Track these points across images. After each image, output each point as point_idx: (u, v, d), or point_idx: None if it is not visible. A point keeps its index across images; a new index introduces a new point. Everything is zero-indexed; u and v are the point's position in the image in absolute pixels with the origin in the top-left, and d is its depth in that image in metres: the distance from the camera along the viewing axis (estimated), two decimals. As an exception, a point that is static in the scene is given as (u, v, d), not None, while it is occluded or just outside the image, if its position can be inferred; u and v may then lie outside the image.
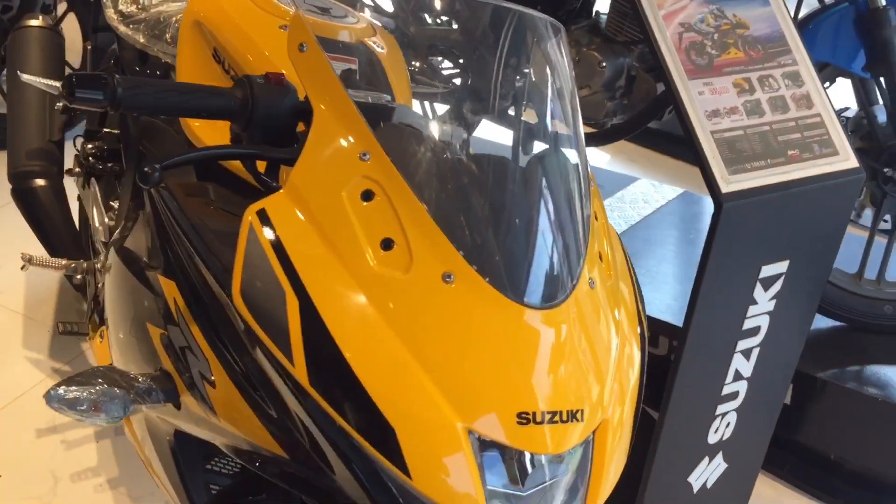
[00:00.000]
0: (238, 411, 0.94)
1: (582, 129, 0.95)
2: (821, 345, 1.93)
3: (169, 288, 1.04)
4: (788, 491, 2.07)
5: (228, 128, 1.21)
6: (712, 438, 1.72)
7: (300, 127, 0.93)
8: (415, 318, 0.81)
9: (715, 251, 1.42)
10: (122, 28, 1.67)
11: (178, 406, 1.07)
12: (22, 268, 1.79)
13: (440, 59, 1.00)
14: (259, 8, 1.24)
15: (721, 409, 1.68)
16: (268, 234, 0.84)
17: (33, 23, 2.06)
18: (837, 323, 2.08)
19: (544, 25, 0.98)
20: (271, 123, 0.92)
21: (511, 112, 0.94)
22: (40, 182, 1.95)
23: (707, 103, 1.43)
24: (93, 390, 1.02)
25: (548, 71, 0.95)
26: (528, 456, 0.83)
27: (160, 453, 1.26)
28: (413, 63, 1.06)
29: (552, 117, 0.93)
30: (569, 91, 0.95)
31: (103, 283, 1.73)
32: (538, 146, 0.91)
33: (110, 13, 1.70)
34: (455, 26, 1.04)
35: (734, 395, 1.70)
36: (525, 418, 0.80)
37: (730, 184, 1.39)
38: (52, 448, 1.92)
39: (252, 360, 0.88)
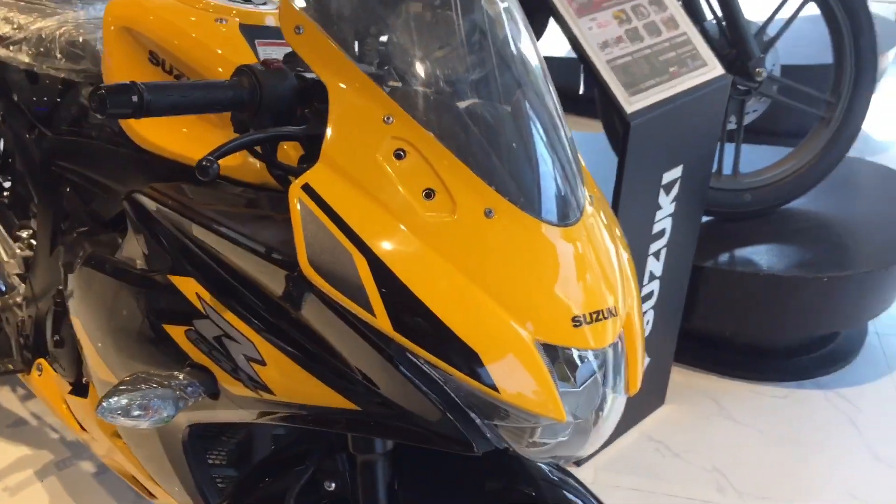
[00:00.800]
0: (296, 381, 0.99)
1: (547, 69, 1.07)
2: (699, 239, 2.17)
3: (186, 285, 1.07)
4: (695, 373, 2.34)
5: (170, 126, 1.24)
6: (638, 337, 1.92)
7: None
8: (469, 252, 0.90)
9: (627, 166, 1.59)
10: (2, 51, 1.60)
11: (216, 396, 1.10)
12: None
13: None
14: (187, 6, 1.25)
15: (643, 308, 1.87)
16: (318, 204, 0.90)
17: None
18: (706, 217, 2.34)
19: None
20: (277, 107, 0.96)
21: (493, 63, 1.04)
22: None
23: (597, 36, 1.59)
24: (140, 395, 1.04)
25: (509, 25, 1.05)
26: (575, 355, 0.95)
27: (170, 451, 1.28)
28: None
29: (525, 63, 1.04)
30: (531, 38, 1.06)
31: (33, 315, 1.69)
32: (524, 86, 1.02)
33: (-17, 41, 1.63)
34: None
35: (650, 295, 1.91)
36: (577, 321, 0.92)
37: (631, 104, 1.56)
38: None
39: (317, 324, 0.93)
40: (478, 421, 0.92)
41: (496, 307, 0.89)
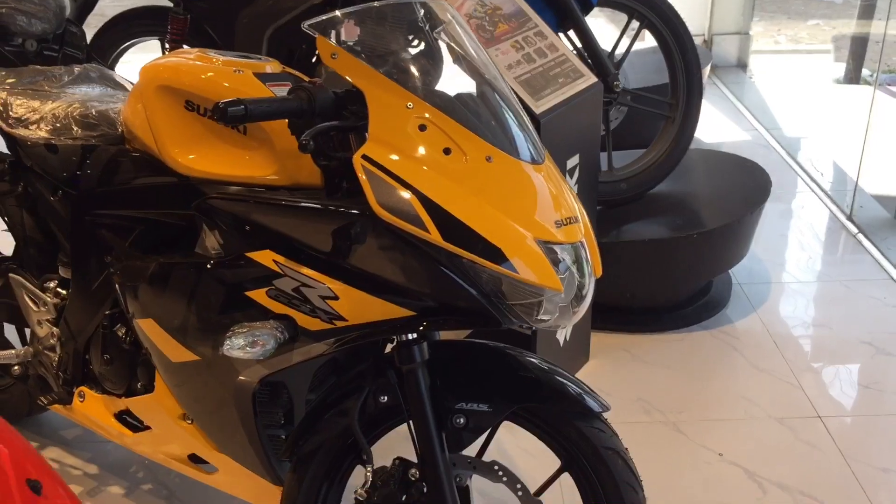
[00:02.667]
0: (363, 304, 1.37)
1: (495, 65, 1.54)
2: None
3: (264, 256, 1.44)
4: (609, 335, 2.82)
5: (207, 153, 1.59)
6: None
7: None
8: (481, 184, 1.33)
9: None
10: (21, 130, 1.91)
11: (295, 338, 1.46)
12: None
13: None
14: (205, 63, 1.63)
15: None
16: (376, 166, 1.30)
17: None
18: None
19: (442, 5, 1.53)
20: (324, 111, 1.37)
21: (461, 58, 1.48)
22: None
23: (503, 61, 2.08)
24: (251, 334, 1.40)
25: (461, 35, 1.51)
26: (558, 252, 1.38)
27: (241, 410, 1.61)
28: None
29: (484, 62, 1.49)
30: (478, 43, 1.53)
31: (70, 351, 1.96)
32: (488, 76, 1.47)
33: (2, 123, 1.93)
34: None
35: (568, 263, 2.38)
36: (558, 224, 1.36)
37: (539, 107, 2.05)
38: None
39: (377, 256, 1.33)
40: (500, 304, 1.34)
41: (505, 218, 1.33)
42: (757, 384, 2.56)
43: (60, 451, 2.35)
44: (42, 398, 1.98)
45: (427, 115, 1.35)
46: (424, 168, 1.33)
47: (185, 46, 3.05)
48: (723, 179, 3.05)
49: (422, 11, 1.50)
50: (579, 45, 2.72)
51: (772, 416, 2.42)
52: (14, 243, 2.12)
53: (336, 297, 1.39)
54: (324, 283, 1.39)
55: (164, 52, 3.06)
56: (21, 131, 1.92)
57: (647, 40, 2.95)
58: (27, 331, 2.25)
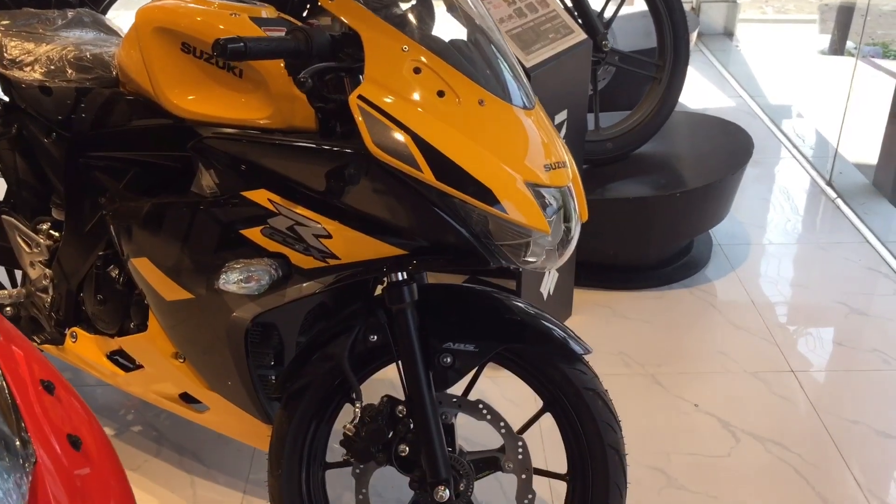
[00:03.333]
0: (356, 243, 1.41)
1: (491, 17, 1.57)
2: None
3: (259, 195, 1.47)
4: (591, 291, 2.88)
5: (203, 95, 1.62)
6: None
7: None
8: (474, 126, 1.36)
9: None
10: (16, 72, 1.93)
11: (289, 276, 1.50)
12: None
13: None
14: (202, 6, 1.65)
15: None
16: (372, 106, 1.34)
17: None
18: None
19: None
20: (321, 53, 1.40)
21: (458, 5, 1.51)
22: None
23: (495, 14, 2.10)
24: (245, 269, 1.44)
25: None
26: (546, 196, 1.42)
27: (233, 346, 1.64)
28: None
29: (479, 9, 1.52)
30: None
31: (63, 292, 1.99)
32: (482, 24, 1.50)
33: (-3, 65, 1.95)
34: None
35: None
36: (547, 167, 1.40)
37: (529, 61, 2.08)
38: None
39: (371, 196, 1.36)
40: (489, 244, 1.38)
41: (497, 160, 1.36)
42: (733, 340, 2.63)
43: (51, 392, 2.38)
44: (34, 338, 2.01)
45: (422, 59, 1.38)
46: (419, 109, 1.36)
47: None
48: (706, 141, 3.10)
49: None
50: (570, 3, 2.74)
51: (746, 370, 2.49)
52: (6, 187, 2.13)
53: (329, 236, 1.43)
54: (317, 222, 1.43)
55: None
56: (15, 73, 1.93)
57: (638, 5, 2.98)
58: (18, 273, 2.28)
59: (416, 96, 1.37)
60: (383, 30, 1.39)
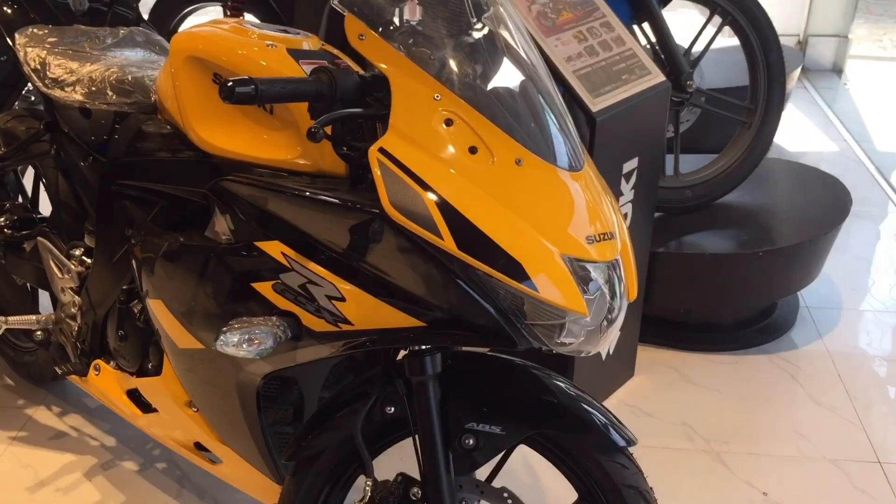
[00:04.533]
0: (371, 309, 1.26)
1: (542, 60, 1.39)
2: (652, 229, 2.51)
3: (272, 247, 1.34)
4: (658, 350, 2.66)
5: (231, 131, 1.50)
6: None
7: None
8: (508, 190, 1.20)
9: (594, 156, 1.92)
10: (57, 92, 1.86)
11: (298, 339, 1.36)
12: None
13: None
14: (240, 36, 1.54)
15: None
16: (393, 162, 1.19)
17: None
18: (657, 213, 2.69)
19: None
20: (347, 97, 1.26)
21: (504, 49, 1.35)
22: (-29, 255, 2.05)
23: (562, 52, 1.93)
24: (248, 331, 1.30)
25: (513, 26, 1.38)
26: (589, 270, 1.24)
27: (245, 404, 1.53)
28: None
29: (528, 53, 1.36)
30: (527, 34, 1.39)
31: (89, 322, 1.91)
32: (530, 70, 1.33)
33: (40, 84, 1.89)
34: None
35: (618, 273, 2.23)
36: (590, 240, 1.22)
37: (596, 105, 1.90)
38: None
39: (389, 260, 1.21)
40: (518, 323, 1.21)
41: (531, 230, 1.19)
42: (814, 419, 2.36)
43: (81, 419, 2.32)
44: (58, 367, 1.94)
45: (455, 109, 1.23)
46: (446, 167, 1.20)
47: (245, 14, 2.99)
48: (797, 194, 2.83)
49: None
50: (653, 39, 2.54)
51: (826, 456, 2.23)
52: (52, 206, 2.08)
53: (343, 299, 1.29)
54: (331, 282, 1.29)
55: (226, 18, 2.99)
56: (56, 92, 1.87)
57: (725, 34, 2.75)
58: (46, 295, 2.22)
59: (444, 152, 1.21)
60: (414, 74, 1.25)
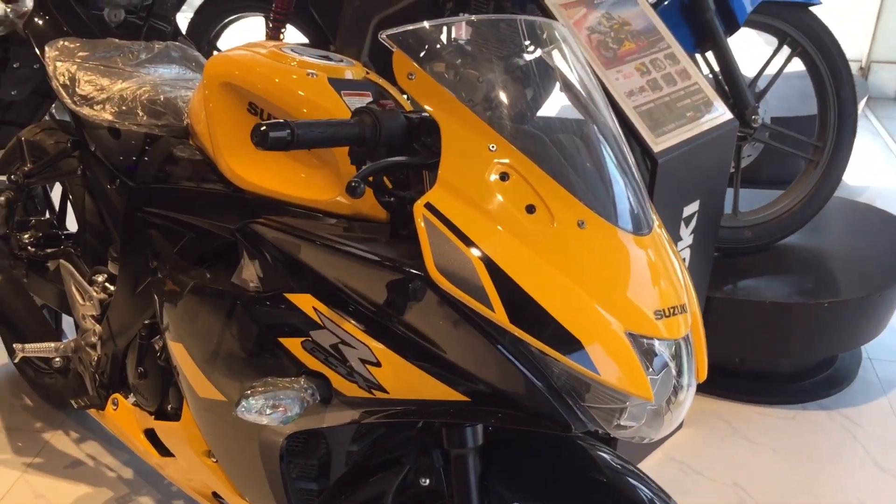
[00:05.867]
0: (409, 378, 1.13)
1: (608, 102, 1.26)
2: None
3: (303, 301, 1.22)
4: (709, 399, 2.50)
5: (265, 167, 1.39)
6: (660, 360, 2.09)
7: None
8: (568, 257, 1.06)
9: (654, 200, 1.78)
10: (86, 110, 1.76)
11: (327, 401, 1.24)
12: (16, 358, 1.80)
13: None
14: (279, 63, 1.43)
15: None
16: (440, 219, 1.06)
17: None
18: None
19: (554, 27, 1.26)
20: (392, 142, 1.13)
21: (566, 89, 1.22)
22: (-4, 278, 1.96)
23: (623, 86, 1.79)
24: (272, 396, 1.18)
25: (578, 69, 1.24)
26: (655, 346, 1.10)
27: (267, 462, 1.41)
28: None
29: (594, 100, 1.22)
30: (595, 79, 1.25)
31: (109, 354, 1.81)
32: (596, 119, 1.20)
33: (68, 101, 1.79)
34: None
35: (672, 321, 2.08)
36: (658, 315, 1.09)
37: (658, 144, 1.75)
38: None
39: (435, 324, 1.09)
40: (573, 404, 1.08)
41: (593, 303, 1.06)
42: (876, 486, 2.19)
43: (100, 448, 2.22)
44: (74, 401, 1.84)
45: (512, 162, 1.10)
46: (499, 228, 1.07)
47: (287, 26, 2.88)
48: (866, 238, 2.65)
49: (527, 31, 1.24)
50: (717, 69, 2.39)
51: (891, 530, 2.06)
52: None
53: (378, 364, 1.16)
54: (366, 345, 1.16)
55: (267, 29, 2.89)
56: (85, 110, 1.76)
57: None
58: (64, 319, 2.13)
59: (498, 210, 1.08)
60: (468, 121, 1.12)
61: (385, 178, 1.18)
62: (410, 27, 1.18)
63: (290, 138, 1.05)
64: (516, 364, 1.06)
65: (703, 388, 2.50)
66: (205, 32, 3.03)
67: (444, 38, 1.22)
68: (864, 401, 2.51)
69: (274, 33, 2.86)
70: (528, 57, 1.22)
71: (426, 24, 1.20)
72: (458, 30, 1.22)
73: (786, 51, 2.50)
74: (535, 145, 1.12)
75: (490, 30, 1.25)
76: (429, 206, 1.08)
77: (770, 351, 2.41)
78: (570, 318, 1.04)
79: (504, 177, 1.09)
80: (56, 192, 2.31)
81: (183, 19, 3.24)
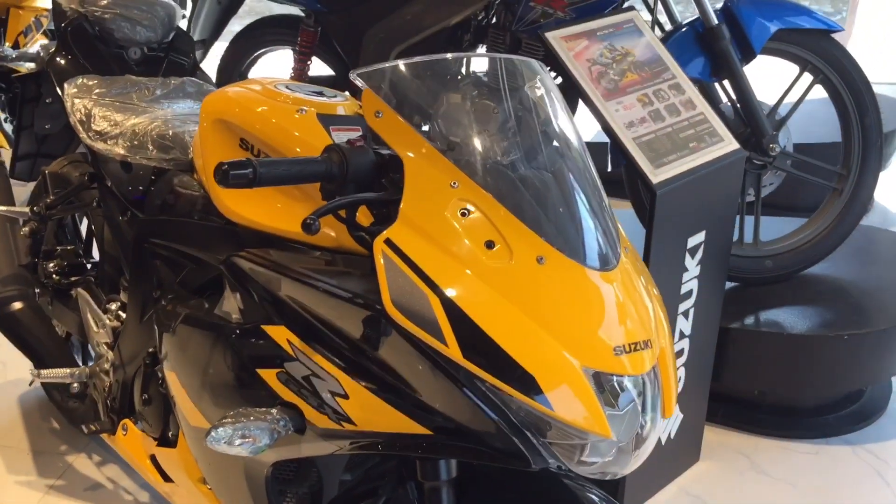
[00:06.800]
0: (375, 411, 1.15)
1: (583, 141, 1.26)
2: (724, 301, 2.31)
3: (278, 333, 1.24)
4: (727, 432, 2.45)
5: (255, 200, 1.43)
6: (671, 393, 2.06)
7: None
8: (525, 292, 1.07)
9: (654, 231, 1.77)
10: (100, 144, 1.83)
11: (302, 432, 1.26)
12: (30, 383, 1.87)
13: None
14: (271, 100, 1.47)
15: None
16: (398, 255, 1.08)
17: None
18: (731, 283, 2.50)
19: (528, 65, 1.27)
20: (360, 178, 1.16)
21: (538, 138, 1.23)
22: (18, 305, 2.04)
23: (623, 117, 1.79)
24: (242, 426, 1.20)
25: (550, 106, 1.25)
26: (617, 382, 1.10)
27: (254, 490, 1.43)
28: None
29: (565, 137, 1.23)
30: (569, 115, 1.26)
31: (120, 380, 1.86)
32: (565, 156, 1.20)
33: (84, 136, 1.86)
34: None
35: (681, 353, 2.05)
36: (618, 351, 1.08)
37: (657, 175, 1.74)
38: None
39: (395, 359, 1.10)
40: (534, 440, 1.08)
41: (549, 338, 1.06)
42: (901, 526, 2.12)
43: (119, 471, 2.27)
44: (85, 426, 1.89)
45: (473, 198, 1.11)
46: (457, 264, 1.08)
47: (312, 59, 2.95)
48: (891, 268, 2.58)
49: (502, 70, 1.25)
50: (734, 96, 2.36)
51: (913, 573, 1.98)
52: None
53: (346, 396, 1.18)
54: (335, 377, 1.18)
55: (294, 62, 2.97)
56: (99, 145, 1.84)
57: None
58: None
59: (457, 246, 1.09)
60: (430, 157, 1.14)
61: (359, 214, 1.20)
62: (380, 66, 1.20)
63: (252, 176, 1.08)
64: (473, 399, 1.07)
65: (721, 421, 2.46)
66: (236, 65, 3.12)
67: (414, 76, 1.24)
68: (891, 436, 2.43)
69: (300, 66, 2.93)
70: (499, 95, 1.23)
71: (399, 63, 1.22)
72: (431, 68, 1.24)
73: (807, 78, 2.47)
74: (499, 182, 1.13)
75: (466, 69, 1.27)
76: (388, 242, 1.10)
77: (790, 384, 2.35)
78: (523, 354, 1.05)
79: (465, 213, 1.11)
80: (85, 223, 2.39)
81: (218, 48, 3.35)
